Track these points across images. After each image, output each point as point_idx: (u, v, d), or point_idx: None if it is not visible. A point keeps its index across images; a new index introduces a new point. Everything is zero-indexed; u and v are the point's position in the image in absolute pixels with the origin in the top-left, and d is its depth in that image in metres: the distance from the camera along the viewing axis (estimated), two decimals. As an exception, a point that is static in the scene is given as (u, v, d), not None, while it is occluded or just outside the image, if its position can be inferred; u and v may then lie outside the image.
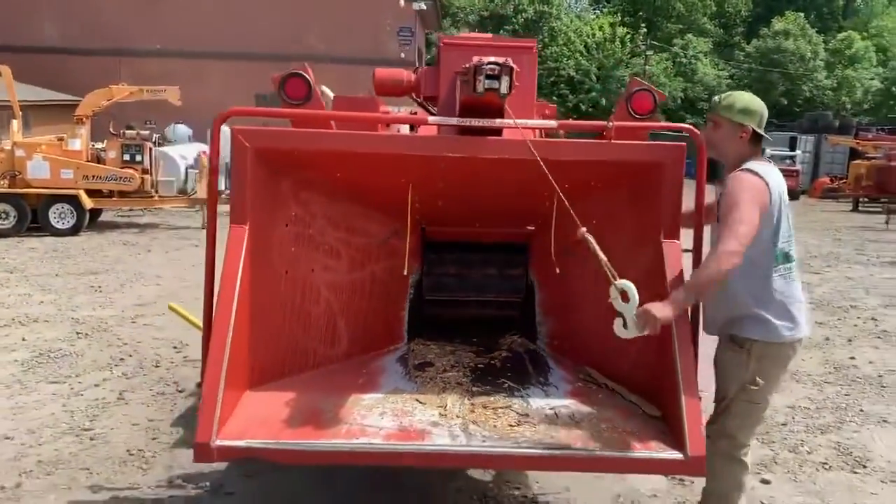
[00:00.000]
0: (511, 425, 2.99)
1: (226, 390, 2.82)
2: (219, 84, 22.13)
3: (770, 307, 2.97)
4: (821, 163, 30.71)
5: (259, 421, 2.91)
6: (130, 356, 6.10)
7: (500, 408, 3.14)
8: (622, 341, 3.25)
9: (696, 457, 2.77)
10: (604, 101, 42.88)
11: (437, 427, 2.96)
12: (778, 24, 43.13)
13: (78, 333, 6.77)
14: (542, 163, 2.94)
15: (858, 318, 7.92)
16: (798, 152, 29.05)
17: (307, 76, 3.44)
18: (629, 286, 2.80)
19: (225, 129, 3.31)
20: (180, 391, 5.25)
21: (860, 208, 21.52)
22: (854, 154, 24.48)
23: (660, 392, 3.07)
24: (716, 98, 3.12)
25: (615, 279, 2.83)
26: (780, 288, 2.98)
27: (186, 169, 15.50)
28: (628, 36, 43.93)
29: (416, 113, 4.59)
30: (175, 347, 6.40)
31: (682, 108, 44.40)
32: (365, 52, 22.18)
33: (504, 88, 2.81)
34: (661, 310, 2.74)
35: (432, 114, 3.87)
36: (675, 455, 2.79)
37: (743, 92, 3.13)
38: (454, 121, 3.17)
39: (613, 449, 2.84)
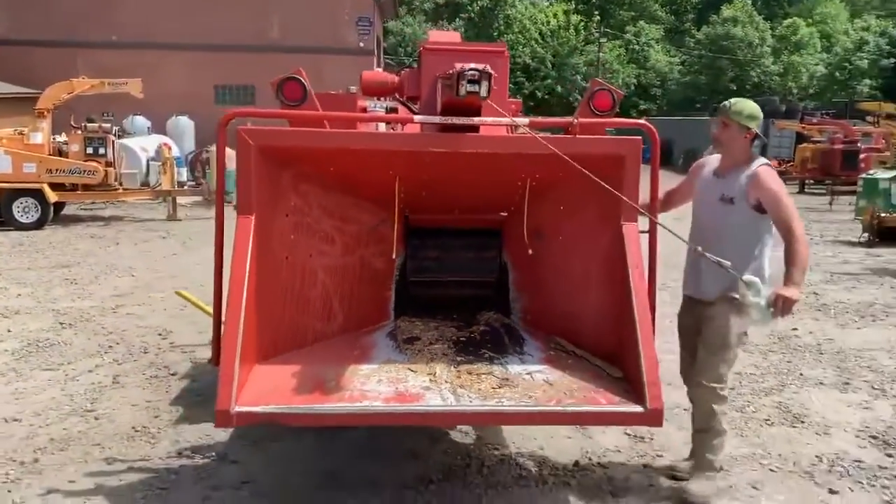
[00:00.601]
0: (493, 388, 3.39)
1: (240, 364, 3.17)
2: (176, 76, 22.08)
3: (762, 276, 3.50)
4: (769, 147, 31.77)
5: (270, 390, 3.26)
6: (118, 343, 6.35)
7: (483, 374, 3.54)
8: (587, 314, 3.71)
9: (654, 409, 3.20)
10: (559, 89, 43.62)
11: (430, 391, 3.35)
12: (727, 11, 44.23)
13: (62, 324, 6.98)
14: (568, 157, 3.32)
15: (801, 292, 8.50)
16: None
17: (303, 80, 3.76)
18: (755, 281, 3.30)
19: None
20: (173, 374, 5.54)
21: (806, 190, 22.42)
22: (800, 138, 25.41)
23: (621, 355, 3.50)
24: (726, 103, 3.68)
25: (742, 276, 3.31)
26: (770, 261, 3.52)
27: (148, 161, 15.58)
28: (582, 24, 44.63)
29: (395, 111, 4.95)
30: (160, 335, 6.67)
31: (635, 94, 45.33)
32: (324, 41, 22.36)
33: (484, 92, 3.19)
34: (794, 293, 3.34)
35: (414, 112, 4.26)
36: (637, 408, 3.22)
37: (748, 100, 3.66)
38: (437, 119, 3.54)
39: (583, 405, 3.26)
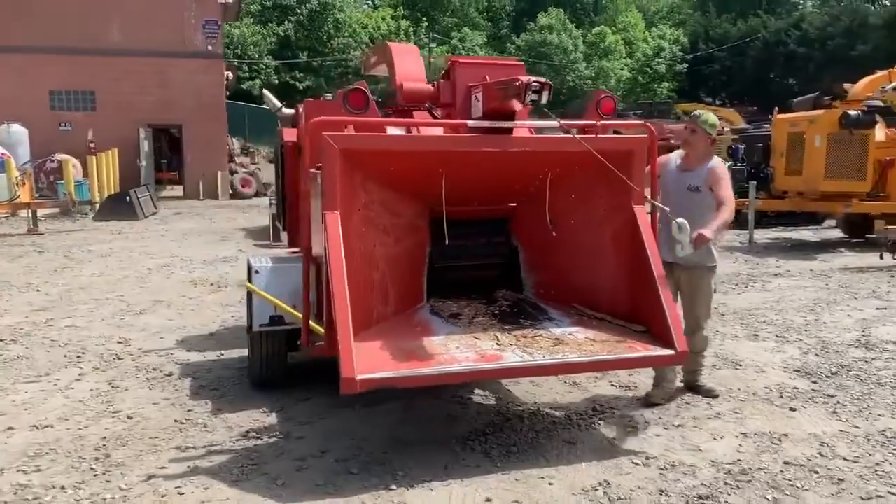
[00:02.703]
0: (551, 346, 4.08)
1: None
2: (5, 81, 20.60)
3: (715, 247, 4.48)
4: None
5: (377, 360, 3.74)
6: (83, 354, 6.31)
7: (534, 336, 4.22)
8: (602, 284, 4.50)
9: (682, 351, 4.06)
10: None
11: (504, 352, 3.98)
12: (543, 19, 47.25)
13: (3, 340, 6.77)
14: (600, 156, 4.05)
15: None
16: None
17: (366, 90, 4.23)
18: (684, 222, 4.14)
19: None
20: (168, 375, 5.69)
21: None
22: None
23: (643, 312, 4.31)
24: (695, 113, 4.65)
25: (675, 218, 4.16)
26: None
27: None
28: (411, 29, 45.85)
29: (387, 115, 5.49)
30: (120, 343, 6.68)
31: (463, 97, 47.22)
32: (169, 44, 21.75)
33: (543, 100, 3.87)
34: (708, 233, 4.26)
35: (435, 117, 4.85)
36: (669, 352, 4.05)
37: (711, 113, 4.63)
38: (488, 123, 4.17)
39: (630, 352, 4.04)
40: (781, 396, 4.98)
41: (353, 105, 4.24)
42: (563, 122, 4.33)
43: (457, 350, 3.99)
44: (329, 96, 5.79)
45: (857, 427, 4.42)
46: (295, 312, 4.63)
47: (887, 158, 11.61)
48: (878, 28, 37.20)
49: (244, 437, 4.41)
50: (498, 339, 4.16)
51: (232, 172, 23.24)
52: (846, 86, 12.76)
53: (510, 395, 5.03)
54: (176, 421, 4.70)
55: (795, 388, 5.15)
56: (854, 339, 6.37)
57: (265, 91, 7.06)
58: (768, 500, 3.53)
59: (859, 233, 12.48)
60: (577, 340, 4.17)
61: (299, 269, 5.09)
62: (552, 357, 3.93)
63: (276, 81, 44.66)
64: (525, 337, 4.21)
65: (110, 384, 5.50)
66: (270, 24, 43.99)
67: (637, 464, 3.96)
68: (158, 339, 6.79)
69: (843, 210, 11.42)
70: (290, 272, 5.09)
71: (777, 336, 6.53)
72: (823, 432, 4.35)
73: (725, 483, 3.70)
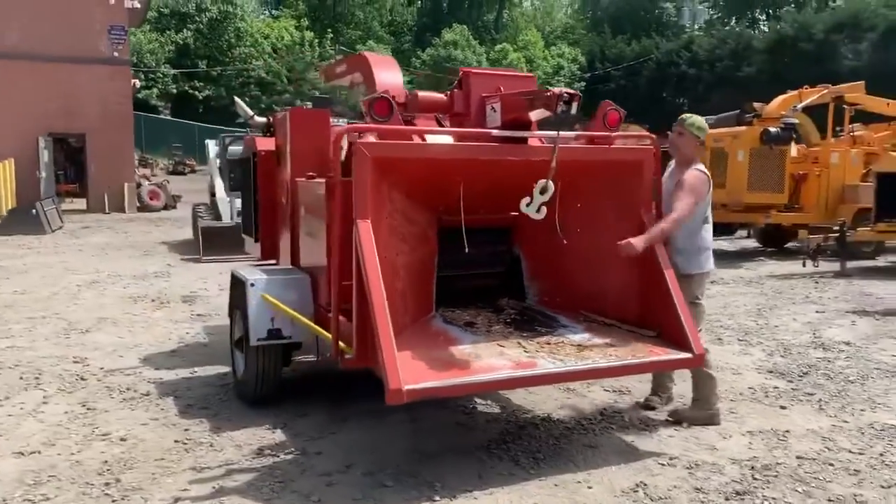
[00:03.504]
0: (577, 353, 4.15)
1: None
2: None
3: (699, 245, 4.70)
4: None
5: (417, 369, 3.70)
6: (41, 375, 5.90)
7: (558, 343, 4.27)
8: (609, 290, 4.61)
9: (699, 354, 4.21)
10: (298, 103, 43.89)
11: (536, 359, 4.01)
12: (447, 34, 47.82)
13: (-59, 363, 6.25)
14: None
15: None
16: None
17: (391, 98, 4.18)
18: (549, 184, 4.04)
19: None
20: (146, 395, 5.39)
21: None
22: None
23: (653, 315, 4.43)
24: (683, 117, 4.66)
25: (549, 179, 4.04)
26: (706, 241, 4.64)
27: None
28: (316, 40, 45.44)
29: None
30: (77, 362, 6.29)
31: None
32: (73, 50, 20.69)
33: (573, 110, 3.95)
34: (637, 243, 4.23)
35: (441, 125, 4.86)
36: (687, 355, 4.19)
37: (697, 116, 4.69)
38: (517, 133, 4.21)
39: (652, 356, 4.16)
40: (767, 396, 5.24)
41: (378, 113, 4.18)
42: (580, 133, 4.42)
43: (488, 358, 3.99)
44: (310, 104, 5.66)
45: (846, 422, 4.71)
46: (315, 326, 4.48)
47: (800, 172, 12.42)
48: (761, 52, 39.69)
49: (259, 455, 4.24)
50: (524, 347, 4.19)
51: (138, 185, 22.26)
52: (756, 105, 13.57)
53: (512, 404, 5.07)
54: (176, 441, 4.47)
55: (776, 387, 5.43)
56: (809, 340, 6.78)
57: (237, 99, 6.84)
58: (799, 492, 3.71)
59: (774, 242, 13.27)
60: (598, 346, 4.25)
61: (295, 281, 5.02)
62: (584, 363, 4.00)
63: (175, 90, 43.27)
64: (549, 344, 4.26)
65: (84, 406, 5.17)
66: (168, 32, 42.59)
67: (663, 464, 4.07)
68: (118, 358, 6.43)
69: (764, 221, 12.13)
70: (287, 284, 4.97)
71: (739, 340, 6.86)
72: (819, 427, 4.61)
73: (754, 478, 3.86)
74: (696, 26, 55.03)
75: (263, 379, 4.98)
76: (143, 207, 21.55)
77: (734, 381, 5.59)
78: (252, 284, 4.91)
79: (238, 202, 13.22)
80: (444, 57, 46.95)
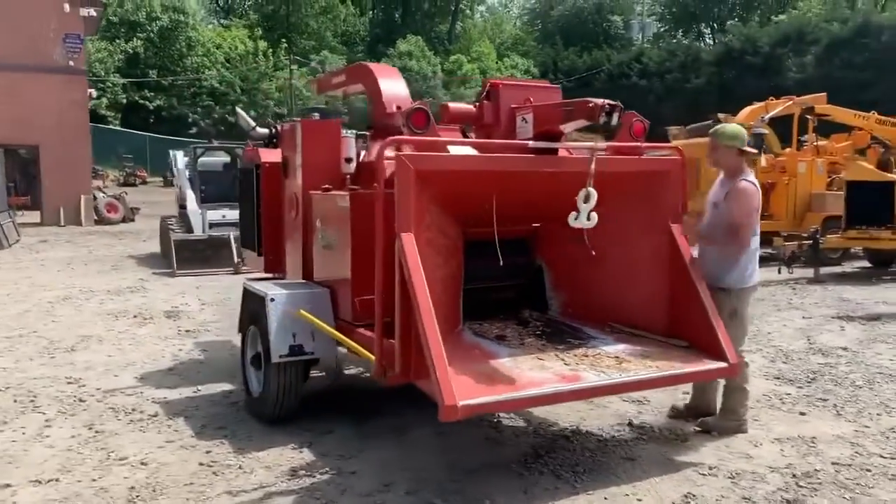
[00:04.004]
0: (617, 364, 4.13)
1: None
2: None
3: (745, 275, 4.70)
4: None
5: (467, 385, 3.63)
6: (35, 398, 5.65)
7: (596, 356, 4.25)
8: (636, 301, 4.61)
9: (735, 363, 4.24)
10: (252, 113, 43.37)
11: (580, 372, 3.98)
12: (402, 45, 47.84)
13: (-77, 386, 5.93)
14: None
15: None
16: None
17: (427, 109, 4.12)
18: (591, 191, 4.02)
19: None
20: (154, 416, 5.20)
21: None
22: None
23: (684, 325, 4.44)
24: (715, 128, 4.66)
25: (589, 187, 4.02)
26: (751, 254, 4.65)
27: None
28: (270, 50, 44.96)
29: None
30: (71, 383, 6.05)
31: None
32: (27, 59, 20.03)
33: (614, 121, 3.95)
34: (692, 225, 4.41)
35: (467, 136, 4.82)
36: (723, 364, 4.21)
37: (731, 124, 4.71)
38: (556, 144, 4.19)
39: (689, 367, 4.16)
40: (783, 402, 5.31)
41: (416, 125, 4.12)
42: (610, 144, 4.42)
43: (531, 371, 3.95)
44: (317, 115, 5.57)
45: (867, 427, 4.80)
46: (350, 342, 4.36)
47: (769, 182, 12.72)
48: (710, 64, 40.73)
49: (293, 477, 4.11)
50: (563, 360, 4.16)
51: (94, 197, 21.61)
52: (721, 116, 13.86)
53: (536, 417, 5.02)
54: (201, 465, 4.30)
55: (788, 393, 5.51)
56: (805, 346, 6.92)
57: (238, 110, 6.66)
58: (847, 499, 3.76)
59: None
60: (636, 357, 4.24)
61: (315, 295, 4.91)
62: (627, 375, 3.98)
63: (125, 100, 42.28)
64: (587, 356, 4.23)
65: (91, 429, 4.95)
66: (118, 41, 41.59)
67: (704, 474, 4.08)
68: (113, 378, 6.19)
69: (736, 229, 12.35)
70: (306, 299, 4.86)
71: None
72: (843, 433, 4.68)
73: (798, 486, 3.89)
74: (645, 39, 56.12)
75: (284, 397, 4.85)
76: (101, 220, 20.94)
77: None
78: (272, 300, 4.78)
79: (210, 214, 13.05)
80: (400, 67, 46.81)
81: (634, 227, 4.68)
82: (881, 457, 4.29)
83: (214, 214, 13.10)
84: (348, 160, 5.59)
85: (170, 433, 4.85)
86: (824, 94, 13.72)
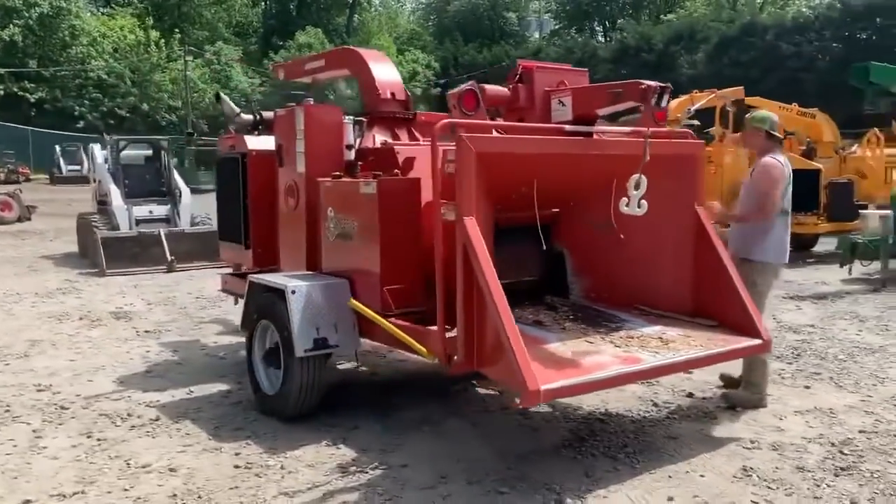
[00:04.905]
0: (664, 345, 4.17)
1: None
2: None
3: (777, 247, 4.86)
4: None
5: (541, 370, 3.58)
6: (10, 408, 5.16)
7: (640, 338, 4.28)
8: (662, 282, 4.70)
9: (767, 339, 4.37)
10: (145, 106, 41.55)
11: (635, 354, 3.99)
12: (301, 37, 46.90)
13: None
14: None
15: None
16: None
17: (477, 91, 4.02)
18: (642, 178, 4.11)
19: None
20: (155, 420, 4.85)
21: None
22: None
23: (713, 305, 4.54)
24: (748, 114, 4.80)
25: (638, 173, 4.10)
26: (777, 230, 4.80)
27: None
28: (163, 40, 43.05)
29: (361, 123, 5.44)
30: (42, 390, 5.59)
31: (221, 114, 45.28)
32: None
33: (664, 103, 3.99)
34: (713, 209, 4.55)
35: (495, 120, 4.75)
36: (757, 341, 4.34)
37: (761, 109, 4.87)
38: (603, 129, 4.19)
39: (729, 345, 4.26)
40: (783, 378, 5.53)
41: (467, 107, 4.02)
42: (654, 130, 4.45)
43: (590, 355, 3.94)
44: (311, 100, 5.35)
45: (870, 396, 5.07)
46: (401, 332, 4.17)
47: (698, 172, 13.24)
48: (606, 60, 42.09)
49: (345, 474, 3.93)
50: (613, 343, 4.17)
51: (-17, 195, 20.02)
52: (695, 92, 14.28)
53: (560, 403, 4.97)
54: (237, 467, 4.05)
55: (782, 369, 5.74)
56: (775, 325, 7.23)
57: (222, 96, 6.26)
58: (892, 463, 3.94)
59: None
60: (679, 338, 4.29)
61: (335, 286, 4.72)
62: (679, 355, 4.03)
63: (2, 91, 39.43)
64: (632, 338, 4.26)
65: (90, 437, 4.59)
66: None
67: (748, 448, 4.19)
68: (87, 383, 5.75)
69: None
70: (327, 290, 4.67)
71: (713, 328, 7.19)
72: (853, 404, 4.92)
73: (842, 454, 4.06)
74: (542, 36, 57.36)
75: (308, 392, 4.64)
76: (-8, 219, 19.41)
77: (737, 365, 5.84)
78: (293, 292, 4.55)
79: (137, 210, 12.36)
80: (300, 60, 45.96)
81: (661, 209, 4.73)
82: (900, 423, 4.54)
83: (141, 210, 12.43)
84: (349, 147, 5.42)
85: (183, 437, 4.55)
86: (741, 87, 14.40)
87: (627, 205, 4.08)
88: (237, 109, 5.99)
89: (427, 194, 4.61)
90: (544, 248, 4.32)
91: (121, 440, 4.52)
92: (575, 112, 4.26)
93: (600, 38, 57.96)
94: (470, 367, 3.80)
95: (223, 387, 5.59)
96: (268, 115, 6.05)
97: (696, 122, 12.70)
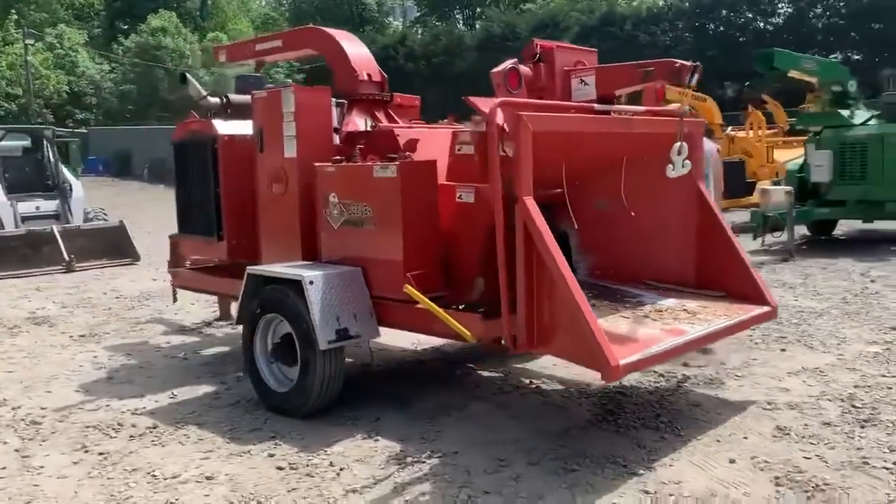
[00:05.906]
0: (692, 317, 4.32)
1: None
2: None
3: None
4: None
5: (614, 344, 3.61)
6: (-30, 426, 4.63)
7: (667, 310, 4.40)
8: (667, 257, 4.89)
9: (775, 306, 4.64)
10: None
11: (676, 324, 4.11)
12: (154, 20, 44.34)
13: None
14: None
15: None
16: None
17: (518, 69, 3.96)
18: (683, 144, 4.28)
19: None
20: (154, 428, 4.48)
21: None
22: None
23: (718, 276, 4.75)
24: None
25: (679, 140, 4.27)
26: None
27: None
28: (-2, 22, 39.42)
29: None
30: (26, 390, 5.04)
31: (67, 102, 42.18)
32: None
33: (694, 81, 4.11)
34: None
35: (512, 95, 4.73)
36: (767, 308, 4.59)
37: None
38: (634, 109, 4.26)
39: (745, 314, 4.47)
40: (755, 342, 5.87)
41: (512, 85, 3.95)
42: (664, 108, 4.58)
43: (638, 329, 4.01)
44: (289, 81, 5.10)
45: (842, 355, 5.47)
46: (450, 318, 4.02)
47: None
48: (472, 48, 42.68)
49: (403, 465, 3.79)
50: (647, 316, 4.26)
51: None
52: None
53: (568, 381, 5.05)
54: (281, 469, 3.82)
55: (749, 335, 6.07)
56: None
57: (188, 76, 5.72)
58: (902, 412, 4.30)
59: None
60: (702, 309, 4.45)
61: (350, 274, 4.56)
62: (712, 324, 4.19)
63: None
64: (661, 311, 4.37)
65: (88, 452, 4.19)
66: None
67: (767, 409, 4.43)
68: (46, 395, 5.23)
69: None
70: (344, 279, 4.49)
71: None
72: (832, 362, 5.29)
73: (855, 407, 4.38)
74: (407, 22, 57.33)
75: (329, 386, 4.43)
76: None
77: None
78: (311, 282, 4.33)
79: (21, 206, 11.31)
80: (154, 45, 43.51)
81: (664, 185, 4.88)
82: (884, 376, 4.94)
83: (27, 206, 11.38)
84: (336, 130, 5.23)
85: (196, 443, 4.23)
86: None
87: (673, 169, 4.18)
88: (203, 91, 5.58)
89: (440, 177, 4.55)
90: (575, 227, 4.34)
91: (127, 452, 4.13)
92: (600, 90, 4.31)
93: (460, 26, 58.73)
94: (531, 347, 3.78)
95: (207, 388, 5.25)
96: (237, 98, 5.70)
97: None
